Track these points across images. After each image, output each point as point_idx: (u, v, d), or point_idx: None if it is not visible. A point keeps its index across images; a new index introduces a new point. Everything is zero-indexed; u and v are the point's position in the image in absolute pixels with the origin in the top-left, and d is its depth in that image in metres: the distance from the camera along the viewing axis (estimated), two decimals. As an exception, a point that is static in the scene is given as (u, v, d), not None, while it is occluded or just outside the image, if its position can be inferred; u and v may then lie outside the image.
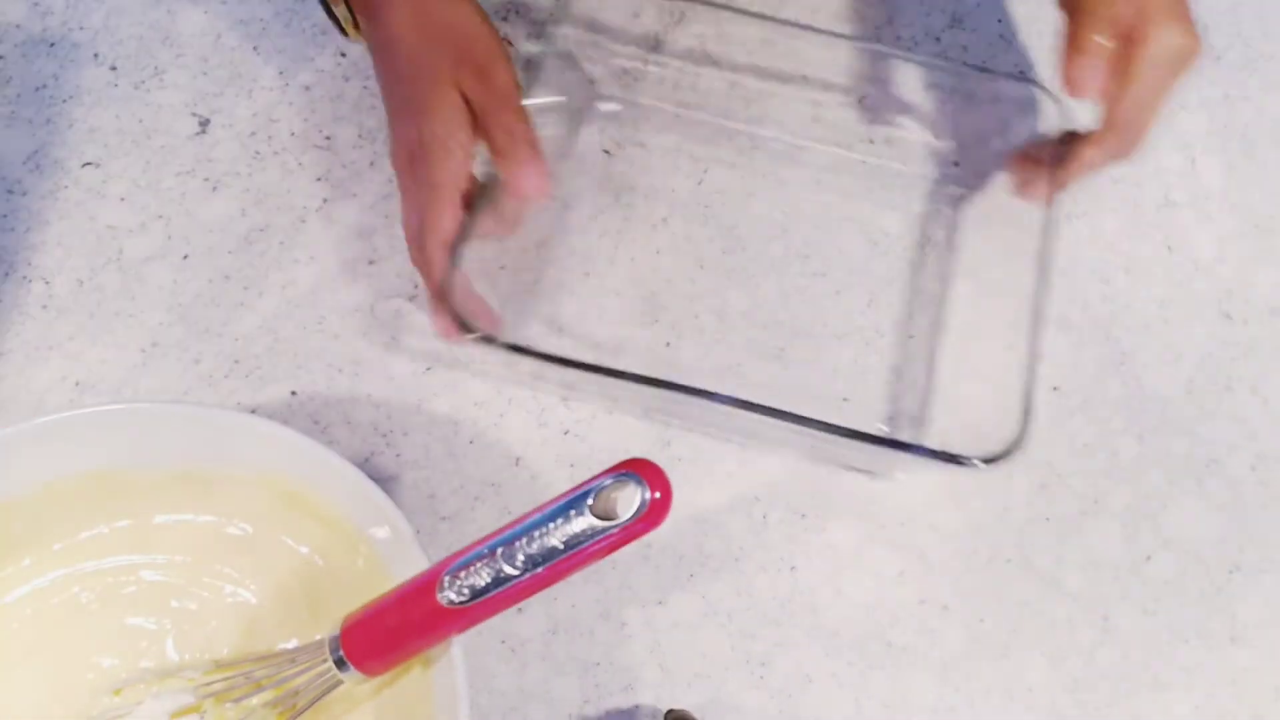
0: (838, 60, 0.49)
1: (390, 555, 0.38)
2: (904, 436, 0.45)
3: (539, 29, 0.45)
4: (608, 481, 0.33)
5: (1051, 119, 0.46)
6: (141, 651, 0.39)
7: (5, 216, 0.48)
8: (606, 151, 0.50)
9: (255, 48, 0.52)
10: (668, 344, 0.47)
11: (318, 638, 0.36)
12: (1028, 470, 0.46)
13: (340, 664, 0.35)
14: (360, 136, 0.50)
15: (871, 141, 0.50)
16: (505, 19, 0.54)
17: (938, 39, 0.55)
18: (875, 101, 0.50)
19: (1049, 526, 0.45)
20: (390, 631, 0.35)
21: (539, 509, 0.34)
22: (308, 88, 0.51)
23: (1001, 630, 0.43)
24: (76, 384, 0.45)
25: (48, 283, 0.47)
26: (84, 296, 0.46)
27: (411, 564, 0.36)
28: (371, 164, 0.50)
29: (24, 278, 0.47)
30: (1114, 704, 0.42)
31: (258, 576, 0.40)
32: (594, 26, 0.49)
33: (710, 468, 0.45)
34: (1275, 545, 0.45)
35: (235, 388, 0.45)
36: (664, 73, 0.50)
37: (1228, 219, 0.52)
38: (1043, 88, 0.47)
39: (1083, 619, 0.43)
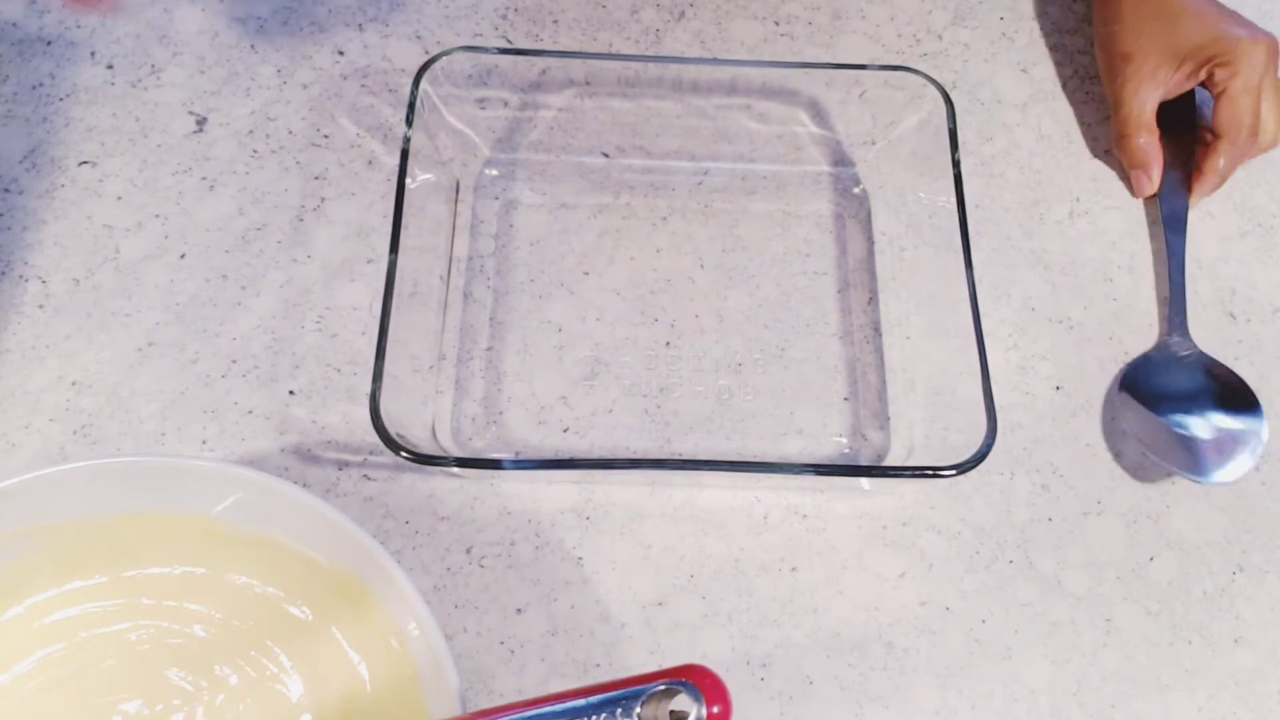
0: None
1: (427, 673, 0.37)
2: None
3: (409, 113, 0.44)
4: (660, 687, 0.31)
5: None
6: (172, 710, 0.38)
7: (2, 215, 0.48)
8: (605, 155, 0.50)
9: (253, 46, 0.52)
10: (668, 344, 0.47)
11: None
12: (1030, 471, 0.45)
13: None
14: (358, 135, 0.50)
15: (873, 142, 0.50)
16: (505, 17, 0.53)
17: (940, 36, 0.55)
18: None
19: (1051, 527, 0.45)
20: None
21: (579, 693, 0.31)
22: (305, 86, 0.51)
23: (1003, 632, 0.43)
24: (73, 384, 0.45)
25: (44, 282, 0.46)
26: (80, 296, 0.46)
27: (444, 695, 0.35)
28: (370, 163, 0.50)
29: (20, 277, 0.46)
30: (1117, 705, 0.42)
31: (304, 668, 0.39)
32: (462, 83, 0.47)
33: (710, 468, 0.45)
34: (1278, 546, 0.45)
35: (232, 387, 0.45)
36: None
37: (1231, 217, 0.52)
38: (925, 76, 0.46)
39: (1085, 620, 0.43)
